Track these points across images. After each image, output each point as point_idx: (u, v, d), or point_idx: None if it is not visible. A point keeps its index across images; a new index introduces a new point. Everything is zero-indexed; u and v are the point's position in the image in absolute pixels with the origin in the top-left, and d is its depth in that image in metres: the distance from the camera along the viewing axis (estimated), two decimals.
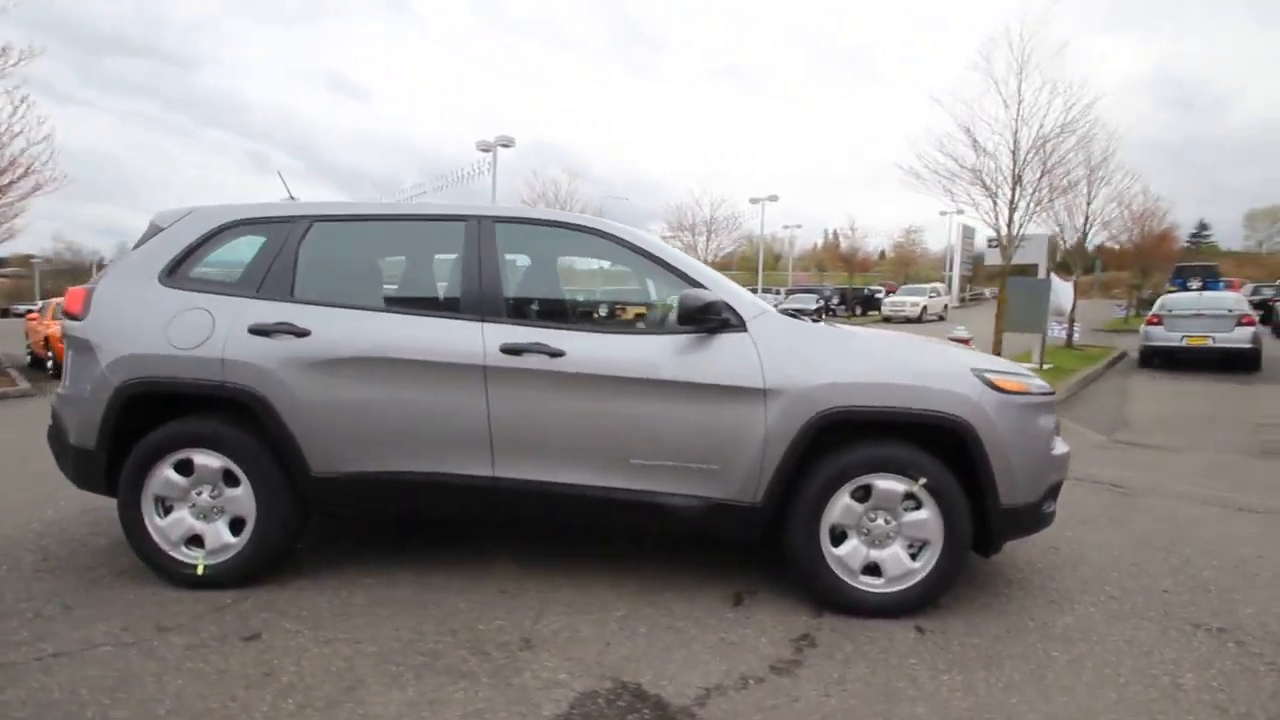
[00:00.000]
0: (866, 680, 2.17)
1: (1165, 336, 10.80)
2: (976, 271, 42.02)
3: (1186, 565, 3.14)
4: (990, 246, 12.28)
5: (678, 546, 3.18)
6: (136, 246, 2.93)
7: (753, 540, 2.71)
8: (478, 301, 2.66)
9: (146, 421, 2.72)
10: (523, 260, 2.95)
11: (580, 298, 3.22)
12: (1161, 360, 11.02)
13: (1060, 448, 2.75)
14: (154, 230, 2.93)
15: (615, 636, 2.42)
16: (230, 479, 2.69)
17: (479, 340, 2.59)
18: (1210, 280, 23.21)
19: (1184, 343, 10.45)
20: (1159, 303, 12.04)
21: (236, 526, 2.71)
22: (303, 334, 2.62)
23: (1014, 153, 9.53)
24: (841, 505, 2.56)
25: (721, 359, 2.55)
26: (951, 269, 40.52)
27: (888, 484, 2.54)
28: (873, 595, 2.58)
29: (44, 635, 2.34)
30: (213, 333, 2.65)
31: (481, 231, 2.76)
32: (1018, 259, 11.00)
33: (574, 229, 2.85)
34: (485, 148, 27.43)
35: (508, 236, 2.78)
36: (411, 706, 1.98)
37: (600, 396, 2.56)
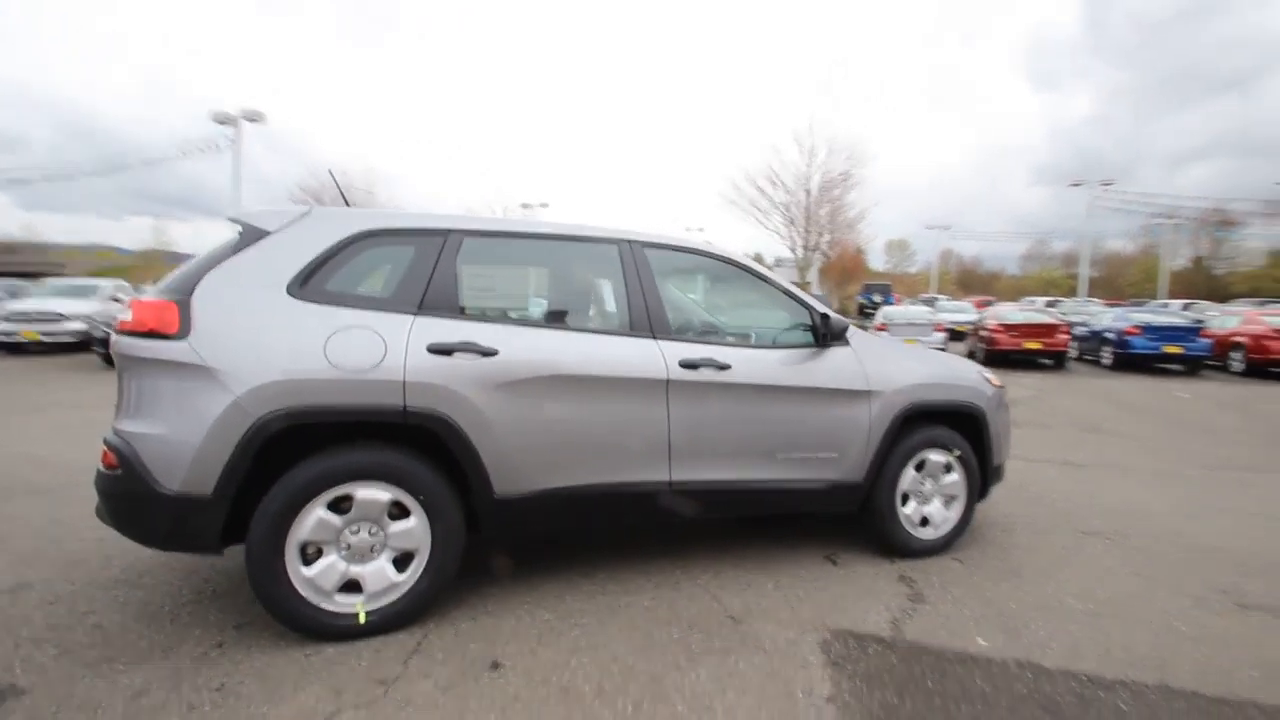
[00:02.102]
0: (968, 595, 3.00)
1: None
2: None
3: (1051, 502, 4.64)
4: (777, 265, 14.80)
5: (735, 530, 3.69)
6: (237, 251, 2.44)
7: (848, 513, 3.38)
8: (647, 320, 2.87)
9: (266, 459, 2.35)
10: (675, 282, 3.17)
11: (724, 317, 3.52)
12: None
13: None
14: (256, 233, 2.49)
15: (790, 600, 2.88)
16: (396, 511, 2.46)
17: (660, 357, 2.82)
18: (887, 296, 30.57)
19: None
20: (881, 314, 15.84)
21: (400, 563, 2.50)
22: (489, 353, 2.54)
23: (808, 193, 11.77)
24: (910, 476, 3.38)
25: (839, 368, 3.19)
26: None
27: (937, 456, 3.43)
28: (925, 541, 3.44)
29: None
30: (387, 353, 2.41)
31: (634, 254, 2.96)
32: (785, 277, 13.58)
33: (710, 257, 3.19)
34: (223, 120, 23.33)
35: (656, 260, 3.02)
36: (720, 681, 2.24)
37: (757, 403, 2.99)
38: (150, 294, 2.42)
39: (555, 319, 2.86)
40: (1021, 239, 58.38)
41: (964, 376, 3.57)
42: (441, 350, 2.49)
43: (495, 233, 2.81)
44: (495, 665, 2.30)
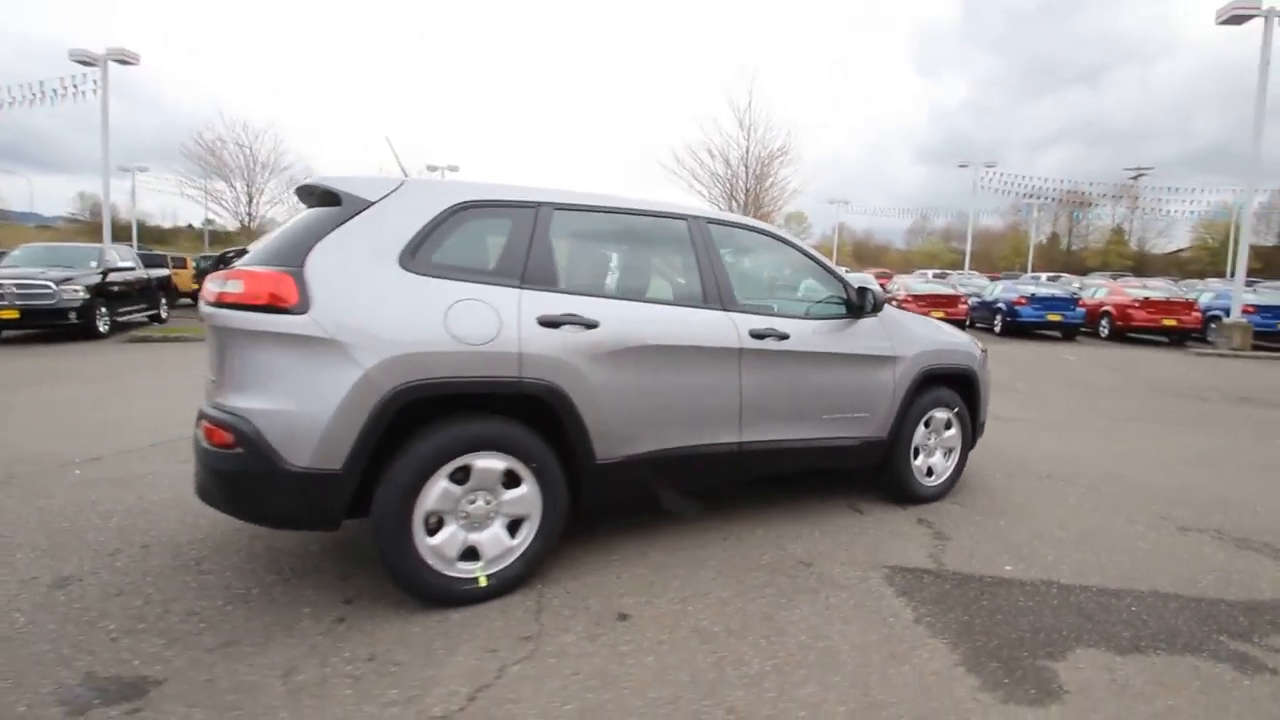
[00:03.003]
0: (978, 532, 3.48)
1: None
2: None
3: (1000, 452, 5.31)
4: None
5: (765, 487, 4.02)
6: (343, 221, 2.36)
7: (871, 466, 3.77)
8: (718, 293, 3.05)
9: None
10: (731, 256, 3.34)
11: (778, 288, 3.72)
12: None
13: None
14: (359, 203, 2.42)
15: (839, 545, 3.23)
16: (509, 479, 2.54)
17: (732, 328, 3.02)
18: None
19: None
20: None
21: (511, 528, 2.59)
22: (591, 325, 2.64)
23: (746, 167, 12.18)
24: (920, 432, 3.82)
25: (870, 336, 3.53)
26: None
27: (940, 414, 3.89)
28: (930, 489, 3.92)
29: (422, 686, 2.02)
30: (502, 325, 2.45)
31: (703, 231, 3.12)
32: None
33: (760, 233, 3.41)
34: (85, 60, 20.33)
35: (716, 235, 3.19)
36: (822, 615, 2.54)
37: (809, 369, 3.28)
38: (250, 265, 2.31)
39: (641, 291, 2.98)
40: (905, 215, 63.21)
41: (961, 342, 4.04)
42: (550, 323, 2.56)
43: (580, 206, 2.87)
44: (623, 616, 2.47)
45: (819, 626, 2.45)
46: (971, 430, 4.09)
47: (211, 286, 2.33)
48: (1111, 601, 2.75)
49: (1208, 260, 43.43)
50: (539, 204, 2.73)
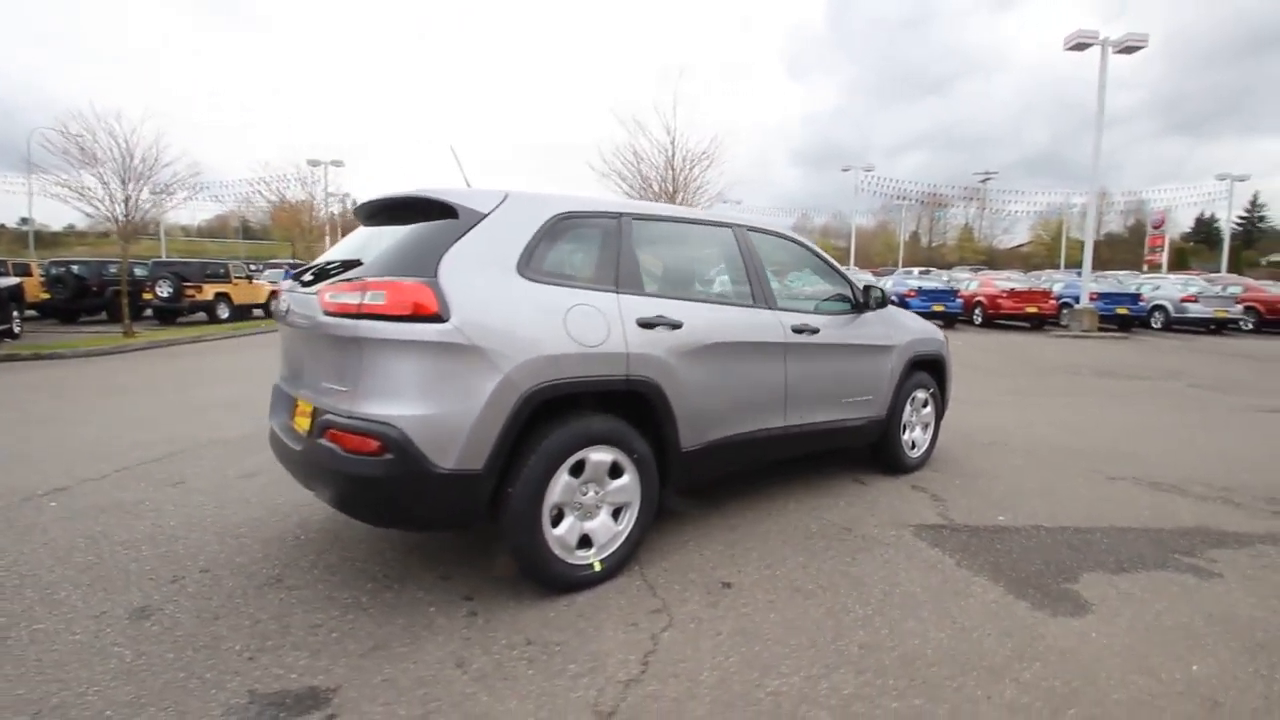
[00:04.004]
0: (963, 492, 4.10)
1: None
2: None
3: (947, 428, 6.10)
4: None
5: (773, 470, 4.44)
6: (464, 233, 2.45)
7: (870, 443, 4.28)
8: (763, 293, 3.40)
9: None
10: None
11: (800, 287, 4.06)
12: None
13: None
14: (474, 215, 2.52)
15: (865, 512, 3.69)
16: (613, 470, 2.74)
17: (779, 324, 3.38)
18: None
19: None
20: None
21: (615, 516, 2.79)
22: (676, 325, 2.89)
23: (671, 167, 12.67)
24: (907, 410, 4.40)
25: (874, 328, 4.04)
26: None
27: (921, 394, 4.50)
28: (914, 459, 4.51)
29: (595, 659, 2.22)
30: (609, 328, 2.65)
31: (745, 237, 3.45)
32: None
33: (783, 238, 3.79)
34: None
35: (754, 240, 3.54)
36: (883, 567, 2.96)
37: (835, 359, 3.72)
38: (384, 277, 2.35)
39: (705, 293, 3.26)
40: (788, 214, 67.98)
41: (933, 331, 4.68)
42: (646, 324, 2.80)
43: (650, 216, 3.11)
44: (726, 585, 2.76)
45: (889, 576, 2.88)
46: (941, 406, 4.74)
47: (342, 299, 2.35)
48: (1088, 537, 3.40)
49: (1045, 254, 49.98)
50: (620, 214, 2.95)
